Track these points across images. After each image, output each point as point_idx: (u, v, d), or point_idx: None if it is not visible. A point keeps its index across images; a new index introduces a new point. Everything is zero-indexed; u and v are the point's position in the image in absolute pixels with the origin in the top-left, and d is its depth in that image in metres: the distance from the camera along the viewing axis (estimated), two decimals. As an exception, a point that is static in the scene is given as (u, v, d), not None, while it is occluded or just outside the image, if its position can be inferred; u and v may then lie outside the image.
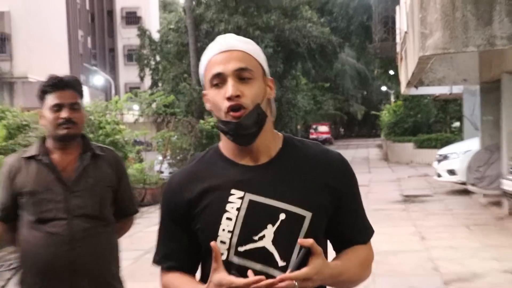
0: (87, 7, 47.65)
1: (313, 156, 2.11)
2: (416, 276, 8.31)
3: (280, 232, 1.97)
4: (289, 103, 36.25)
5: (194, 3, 31.22)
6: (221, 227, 1.98)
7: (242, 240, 1.97)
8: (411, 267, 8.85)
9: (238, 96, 1.94)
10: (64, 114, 3.35)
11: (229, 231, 1.97)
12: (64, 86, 3.40)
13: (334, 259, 2.12)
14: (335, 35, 36.71)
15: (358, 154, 38.72)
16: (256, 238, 1.96)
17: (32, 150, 3.49)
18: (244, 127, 1.95)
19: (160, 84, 33.82)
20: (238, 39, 2.06)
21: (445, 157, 17.51)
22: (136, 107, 27.04)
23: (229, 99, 1.94)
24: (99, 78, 45.48)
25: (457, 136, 26.33)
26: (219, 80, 1.97)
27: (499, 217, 12.77)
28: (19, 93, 25.42)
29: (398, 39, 20.33)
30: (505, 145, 13.40)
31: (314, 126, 57.11)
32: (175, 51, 32.58)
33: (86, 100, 25.00)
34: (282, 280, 1.83)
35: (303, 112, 43.92)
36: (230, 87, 1.94)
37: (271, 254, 1.96)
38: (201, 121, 26.43)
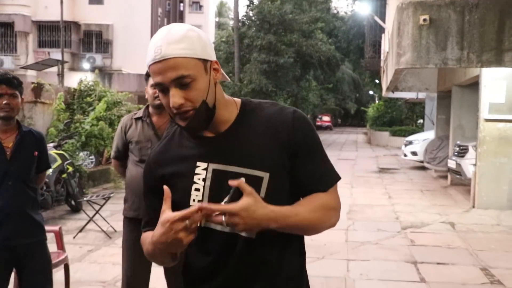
0: (165, 23, 47.80)
1: (268, 117, 1.62)
2: (384, 222, 8.39)
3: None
4: (303, 98, 36.22)
5: (240, 24, 31.26)
6: (191, 198, 1.58)
7: None
8: (381, 216, 8.95)
9: (181, 105, 1.50)
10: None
11: (198, 201, 1.57)
12: None
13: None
14: (338, 52, 36.54)
15: (350, 138, 38.62)
16: (222, 203, 1.49)
17: (140, 113, 3.66)
18: (193, 128, 1.55)
19: (213, 80, 33.91)
20: (170, 40, 1.50)
21: (410, 143, 17.45)
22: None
23: (174, 107, 1.50)
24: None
25: (420, 128, 26.18)
26: (162, 87, 1.52)
27: (444, 186, 12.80)
28: (115, 81, 25.73)
29: (382, 57, 20.28)
30: (452, 136, 13.43)
31: (319, 116, 56.66)
32: (224, 57, 32.62)
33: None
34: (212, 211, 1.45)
35: (312, 106, 43.65)
36: (171, 98, 1.50)
37: None
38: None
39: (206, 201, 1.57)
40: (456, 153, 11.64)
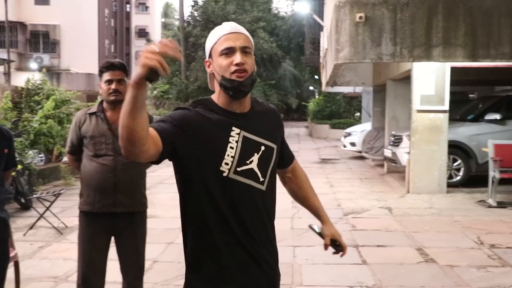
0: (112, 24, 46.83)
1: (267, 108, 2.17)
2: (326, 210, 8.09)
3: (261, 158, 2.00)
4: (247, 94, 36.23)
5: (185, 24, 30.93)
6: (227, 153, 1.93)
7: (239, 163, 1.95)
8: (323, 203, 8.39)
9: (243, 64, 1.91)
10: (113, 86, 3.40)
11: (231, 156, 1.94)
12: (114, 67, 3.44)
13: (313, 201, 2.51)
14: (280, 50, 36.71)
15: (292, 131, 38.78)
16: (248, 162, 1.97)
17: (94, 108, 3.55)
18: (244, 85, 1.93)
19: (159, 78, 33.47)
20: (241, 27, 2.01)
21: (349, 134, 17.66)
22: (142, 93, 26.87)
23: (237, 64, 1.90)
24: (118, 73, 44.89)
25: (358, 121, 26.63)
26: (229, 51, 1.92)
27: (381, 174, 13.07)
28: (64, 80, 25.11)
29: (321, 54, 20.50)
30: (387, 127, 13.71)
31: (263, 111, 56.77)
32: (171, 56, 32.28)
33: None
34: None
35: (256, 101, 43.70)
36: (239, 57, 1.91)
37: (256, 173, 1.99)
38: (186, 103, 26.43)
39: (237, 157, 1.95)
40: (391, 143, 11.87)
